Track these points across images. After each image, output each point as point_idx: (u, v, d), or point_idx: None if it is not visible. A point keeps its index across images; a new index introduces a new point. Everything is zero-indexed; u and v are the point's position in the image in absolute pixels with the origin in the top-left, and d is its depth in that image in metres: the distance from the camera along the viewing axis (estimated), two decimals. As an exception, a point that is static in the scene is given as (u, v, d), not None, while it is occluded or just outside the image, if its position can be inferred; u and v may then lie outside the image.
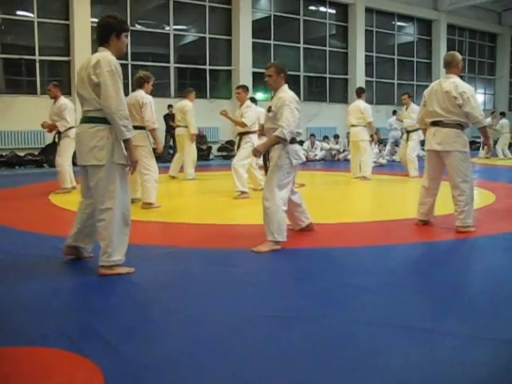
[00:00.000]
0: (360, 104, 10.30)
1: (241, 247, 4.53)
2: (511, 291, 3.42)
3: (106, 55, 3.67)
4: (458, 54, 5.32)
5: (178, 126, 10.25)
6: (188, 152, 10.15)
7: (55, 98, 8.14)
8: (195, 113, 10.11)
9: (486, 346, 2.50)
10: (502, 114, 18.13)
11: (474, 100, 5.04)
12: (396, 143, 15.95)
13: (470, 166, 5.20)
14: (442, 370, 2.27)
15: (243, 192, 7.56)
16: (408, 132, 10.86)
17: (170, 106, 14.61)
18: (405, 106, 11.03)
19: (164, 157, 14.23)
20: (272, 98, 4.84)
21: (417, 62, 22.94)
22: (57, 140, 8.37)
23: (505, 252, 4.52)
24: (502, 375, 2.28)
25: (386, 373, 2.25)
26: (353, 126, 10.37)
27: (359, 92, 10.60)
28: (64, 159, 8.12)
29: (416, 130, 10.56)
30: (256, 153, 4.66)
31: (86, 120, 3.76)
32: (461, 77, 5.28)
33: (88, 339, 2.58)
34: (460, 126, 5.11)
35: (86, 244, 4.07)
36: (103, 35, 3.80)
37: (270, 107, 4.67)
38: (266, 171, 4.74)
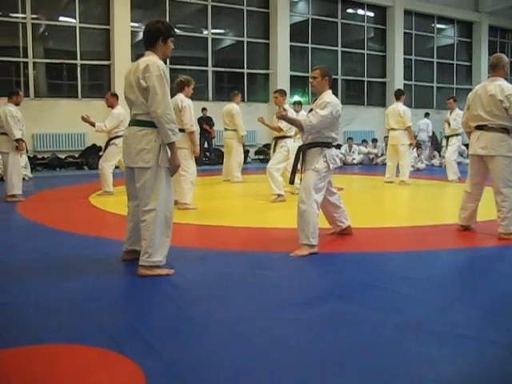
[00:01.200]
0: (399, 107, 10.12)
1: (278, 251, 4.52)
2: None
3: (154, 60, 3.74)
4: (504, 56, 5.20)
5: (226, 130, 10.39)
6: (235, 155, 10.28)
7: (112, 107, 8.26)
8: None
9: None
10: None
11: None
12: (425, 146, 15.78)
13: None
14: (489, 379, 2.22)
15: (280, 195, 7.54)
16: (447, 137, 10.69)
17: (204, 109, 14.71)
18: (449, 111, 10.77)
19: (200, 159, 14.33)
20: (314, 101, 4.83)
21: (457, 64, 22.54)
22: (104, 146, 8.50)
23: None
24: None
25: (430, 381, 2.21)
26: (392, 129, 10.19)
27: (398, 94, 10.42)
28: (108, 164, 8.24)
29: (456, 134, 10.38)
30: (280, 115, 4.68)
31: (134, 123, 3.84)
32: (505, 79, 5.16)
33: (129, 339, 2.60)
34: (505, 131, 4.98)
35: (141, 246, 3.91)
36: (151, 39, 3.88)
37: (311, 109, 4.66)
38: (294, 174, 4.84)
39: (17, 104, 7.90)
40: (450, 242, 5.05)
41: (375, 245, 4.92)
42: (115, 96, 8.39)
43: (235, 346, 2.53)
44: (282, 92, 8.06)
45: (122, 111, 8.09)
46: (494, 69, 5.13)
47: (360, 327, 2.79)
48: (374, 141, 16.77)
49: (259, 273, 3.88)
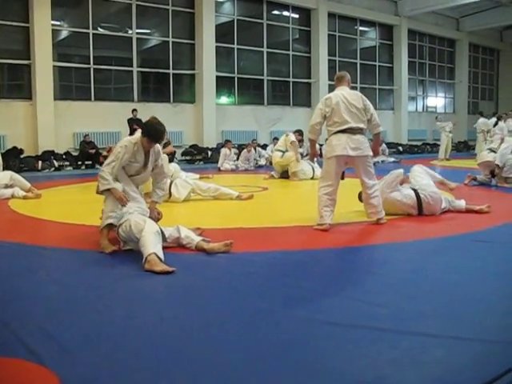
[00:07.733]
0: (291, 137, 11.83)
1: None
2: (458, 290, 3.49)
3: None
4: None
5: None
6: None
7: None
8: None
9: (440, 345, 2.54)
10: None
11: None
12: None
13: None
14: (398, 369, 2.32)
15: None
16: None
17: (134, 110, 14.52)
18: None
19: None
20: None
21: (379, 66, 23.28)
22: None
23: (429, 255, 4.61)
24: (457, 372, 2.33)
25: (343, 374, 2.28)
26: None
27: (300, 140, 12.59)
28: None
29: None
30: None
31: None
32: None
33: (46, 347, 2.53)
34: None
35: None
36: None
37: None
38: None
39: None
40: (355, 239, 5.22)
41: (300, 244, 5.01)
42: None
43: (156, 349, 2.52)
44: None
45: None
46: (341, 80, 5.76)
47: (279, 323, 2.83)
48: (300, 141, 16.98)
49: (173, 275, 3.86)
